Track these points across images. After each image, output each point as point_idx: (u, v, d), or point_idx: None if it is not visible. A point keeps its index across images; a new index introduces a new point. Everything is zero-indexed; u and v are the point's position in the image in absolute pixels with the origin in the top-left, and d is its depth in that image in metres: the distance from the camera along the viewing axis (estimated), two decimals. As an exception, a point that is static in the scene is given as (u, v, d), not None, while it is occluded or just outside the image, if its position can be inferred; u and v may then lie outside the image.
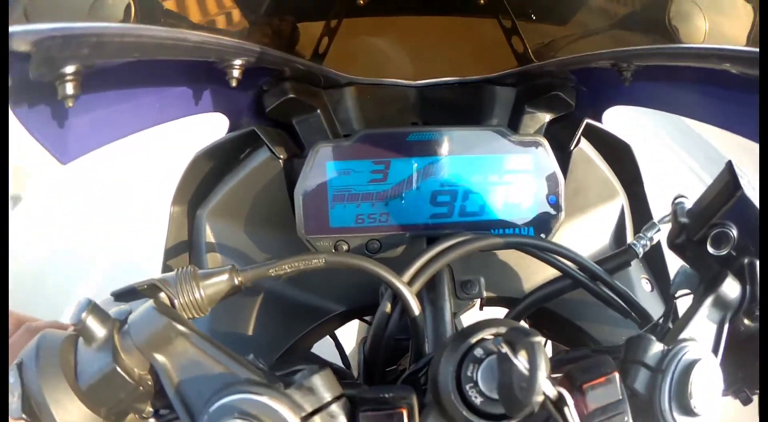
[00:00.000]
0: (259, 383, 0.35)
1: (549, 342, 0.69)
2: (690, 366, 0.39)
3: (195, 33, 0.48)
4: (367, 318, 0.72)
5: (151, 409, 0.40)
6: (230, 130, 0.63)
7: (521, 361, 0.33)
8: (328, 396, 0.36)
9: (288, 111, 0.60)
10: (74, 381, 0.37)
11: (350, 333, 0.74)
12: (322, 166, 0.55)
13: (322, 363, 0.57)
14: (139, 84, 0.52)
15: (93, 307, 0.37)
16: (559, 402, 0.35)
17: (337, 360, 0.71)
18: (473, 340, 0.38)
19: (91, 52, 0.39)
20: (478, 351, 0.37)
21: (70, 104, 0.39)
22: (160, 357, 0.36)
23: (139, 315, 0.37)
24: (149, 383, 0.37)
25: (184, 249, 0.62)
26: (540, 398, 0.32)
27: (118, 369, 0.36)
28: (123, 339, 0.36)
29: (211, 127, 0.66)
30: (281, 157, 0.57)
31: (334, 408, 0.36)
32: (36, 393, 0.36)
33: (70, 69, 0.38)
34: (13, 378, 0.37)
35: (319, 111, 0.60)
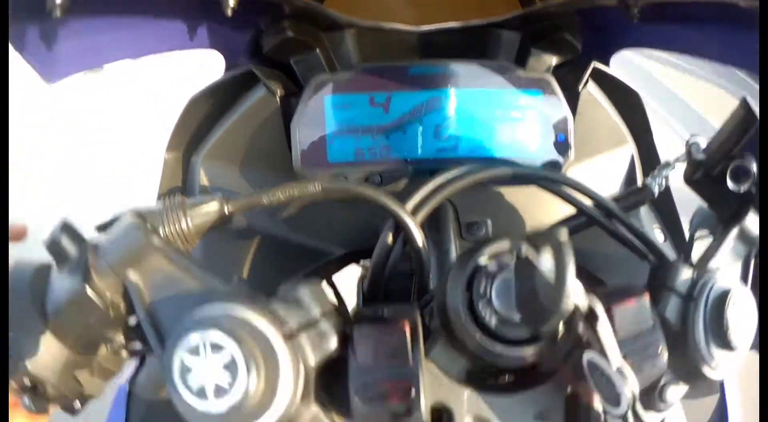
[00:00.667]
0: (237, 294, 0.31)
1: None
2: (724, 295, 0.36)
3: None
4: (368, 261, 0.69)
5: (122, 340, 0.37)
6: (227, 71, 0.62)
7: (545, 263, 0.28)
8: (316, 311, 0.32)
9: (286, 50, 0.58)
10: (43, 311, 0.34)
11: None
12: (320, 100, 0.53)
13: None
14: (131, 12, 0.50)
15: (67, 226, 0.34)
16: (590, 317, 0.31)
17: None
18: (486, 252, 0.35)
19: None
20: (492, 265, 0.33)
21: (58, 14, 0.38)
22: (133, 275, 0.33)
23: (115, 231, 0.34)
24: (121, 309, 0.34)
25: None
26: (570, 305, 0.27)
27: (88, 289, 0.33)
28: (96, 259, 0.34)
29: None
30: (278, 92, 0.55)
31: (324, 325, 0.32)
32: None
33: None
34: None
35: (318, 50, 0.58)
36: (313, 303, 0.32)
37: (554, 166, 0.55)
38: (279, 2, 0.55)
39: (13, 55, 0.43)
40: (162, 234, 0.39)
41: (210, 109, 0.59)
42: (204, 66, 0.63)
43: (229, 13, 0.49)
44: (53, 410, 0.36)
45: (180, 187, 0.59)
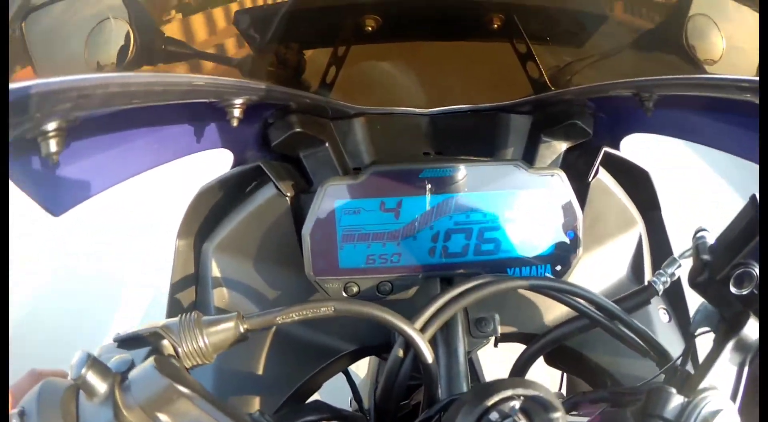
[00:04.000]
0: None
1: (565, 377, 0.68)
2: (708, 419, 0.38)
3: (188, 76, 0.46)
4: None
5: None
6: (235, 164, 0.62)
7: None
8: None
9: (295, 145, 0.58)
10: None
11: (362, 362, 0.73)
12: (330, 205, 0.53)
13: (329, 415, 0.56)
14: (131, 126, 0.49)
15: (93, 361, 0.36)
16: None
17: (349, 394, 0.70)
18: (489, 403, 0.37)
19: (74, 106, 0.36)
20: (494, 416, 0.36)
21: (55, 160, 0.37)
22: (162, 417, 0.35)
23: (141, 374, 0.36)
24: None
25: (191, 283, 0.60)
26: None
27: None
28: (124, 395, 0.35)
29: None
30: (288, 194, 0.55)
31: None
32: None
33: (51, 125, 0.36)
34: None
35: (327, 144, 0.58)
36: None
37: (563, 261, 0.56)
38: (286, 101, 0.55)
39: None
40: (180, 353, 0.41)
41: (220, 200, 0.59)
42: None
43: (235, 123, 0.49)
44: None
45: (193, 274, 0.60)
